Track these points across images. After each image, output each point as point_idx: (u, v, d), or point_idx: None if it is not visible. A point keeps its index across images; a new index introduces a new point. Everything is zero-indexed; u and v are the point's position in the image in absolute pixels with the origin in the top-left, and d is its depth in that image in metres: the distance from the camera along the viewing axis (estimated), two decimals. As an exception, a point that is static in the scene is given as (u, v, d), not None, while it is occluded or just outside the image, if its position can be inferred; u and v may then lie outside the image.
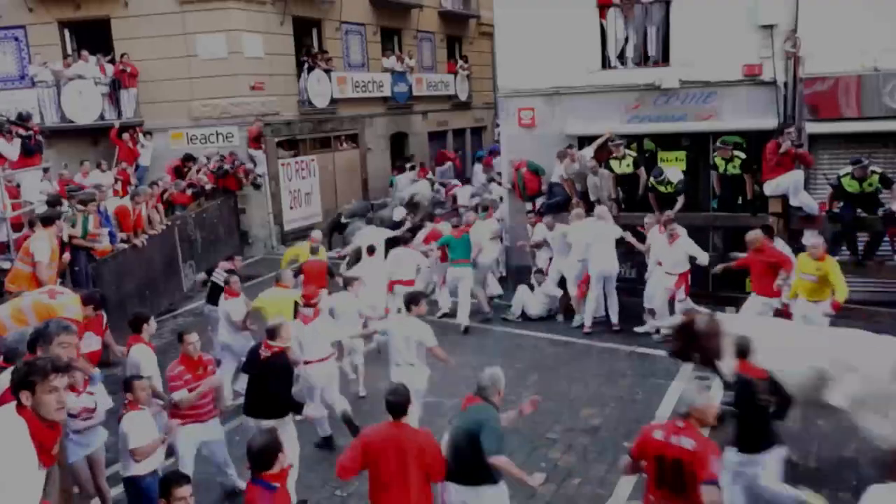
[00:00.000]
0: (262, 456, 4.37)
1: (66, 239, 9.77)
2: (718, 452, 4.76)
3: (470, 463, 5.05)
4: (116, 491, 7.49)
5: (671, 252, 10.71)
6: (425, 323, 7.58)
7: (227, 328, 9.11)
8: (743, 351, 6.18)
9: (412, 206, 16.41)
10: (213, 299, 9.91)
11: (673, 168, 12.25)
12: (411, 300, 7.55)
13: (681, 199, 11.70)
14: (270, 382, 6.71)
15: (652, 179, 11.74)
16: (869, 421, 6.20)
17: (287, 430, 6.64)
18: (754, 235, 9.29)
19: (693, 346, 7.31)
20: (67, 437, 6.43)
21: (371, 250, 11.38)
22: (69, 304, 6.44)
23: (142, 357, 7.00)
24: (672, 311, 10.71)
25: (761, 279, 9.19)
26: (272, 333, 6.89)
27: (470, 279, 11.93)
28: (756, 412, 5.74)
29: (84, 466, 6.56)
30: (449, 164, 24.42)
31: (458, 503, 5.18)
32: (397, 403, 5.06)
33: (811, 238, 11.05)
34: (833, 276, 8.49)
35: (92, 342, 7.22)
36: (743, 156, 11.57)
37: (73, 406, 6.12)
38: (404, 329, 7.42)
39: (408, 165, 20.61)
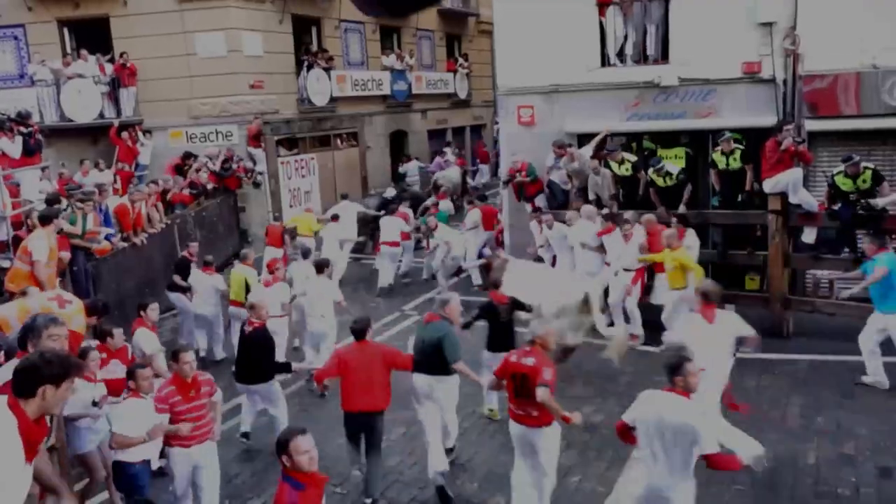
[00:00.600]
0: (279, 444, 4.43)
1: (65, 229, 9.81)
2: (552, 367, 6.09)
3: (434, 363, 6.92)
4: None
5: (626, 250, 10.92)
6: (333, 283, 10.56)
7: (211, 299, 10.84)
8: (495, 284, 8.62)
9: (436, 188, 18.07)
10: (172, 287, 11.13)
11: (671, 163, 12.26)
12: (319, 265, 9.90)
13: (687, 190, 11.65)
14: (254, 353, 7.73)
15: (651, 171, 11.69)
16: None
17: (273, 391, 7.88)
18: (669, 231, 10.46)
19: (488, 278, 9.92)
20: (81, 428, 6.58)
21: (335, 217, 14.90)
22: (76, 314, 6.53)
23: (143, 340, 7.92)
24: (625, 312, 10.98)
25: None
26: (252, 310, 7.86)
27: None
28: (499, 325, 8.16)
29: (97, 454, 6.74)
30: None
31: (425, 386, 7.08)
32: (360, 329, 6.87)
33: (809, 235, 11.13)
34: (685, 263, 9.95)
35: (117, 370, 7.04)
36: (742, 147, 11.55)
37: (93, 395, 6.47)
38: (318, 288, 9.75)
39: (416, 157, 23.80)
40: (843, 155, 10.48)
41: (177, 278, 11.07)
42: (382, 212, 15.70)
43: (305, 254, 11.32)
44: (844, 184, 10.22)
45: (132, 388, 6.23)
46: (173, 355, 6.35)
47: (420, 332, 7.35)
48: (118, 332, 7.35)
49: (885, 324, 8.63)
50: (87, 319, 6.91)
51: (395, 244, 14.36)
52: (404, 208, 15.49)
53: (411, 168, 23.12)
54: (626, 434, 5.33)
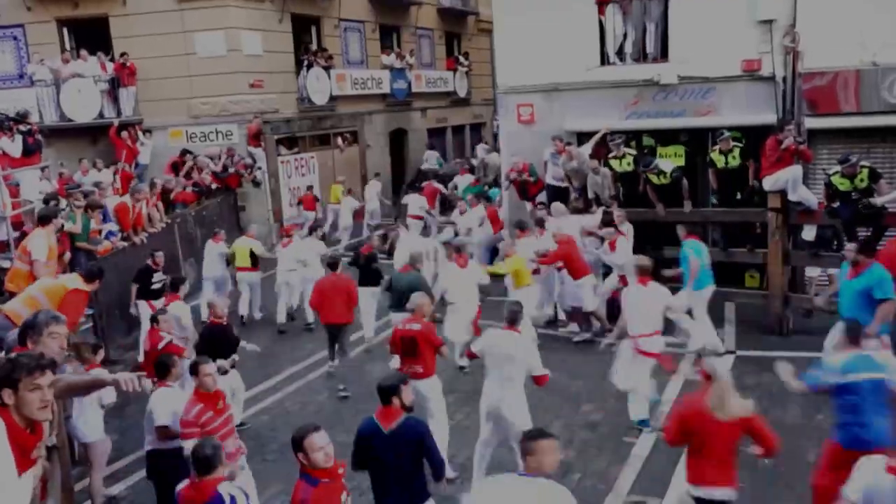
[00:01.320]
0: (294, 442, 4.44)
1: (66, 228, 9.84)
2: (433, 327, 7.46)
3: (406, 300, 7.95)
4: (119, 488, 7.54)
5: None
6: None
7: (219, 264, 12.76)
8: (333, 264, 10.20)
9: (483, 167, 20.49)
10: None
11: (665, 161, 12.27)
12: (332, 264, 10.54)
13: (685, 188, 11.65)
14: (209, 348, 7.85)
15: (643, 170, 11.69)
16: None
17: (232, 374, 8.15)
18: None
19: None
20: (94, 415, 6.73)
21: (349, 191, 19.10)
22: (73, 277, 7.11)
23: (179, 311, 8.84)
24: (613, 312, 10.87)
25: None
26: (210, 308, 8.46)
27: None
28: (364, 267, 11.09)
29: (107, 440, 7.00)
30: None
31: (398, 321, 8.11)
32: (332, 263, 9.94)
33: (809, 233, 11.12)
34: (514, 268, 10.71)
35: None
36: (741, 145, 11.54)
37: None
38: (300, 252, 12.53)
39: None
40: (840, 156, 10.45)
41: (134, 288, 10.74)
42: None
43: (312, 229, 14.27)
44: (842, 184, 10.21)
45: (160, 377, 6.35)
46: (193, 368, 6.02)
47: (395, 276, 10.11)
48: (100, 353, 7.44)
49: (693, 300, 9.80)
50: (87, 285, 7.40)
51: (419, 217, 16.95)
52: (434, 184, 18.53)
53: (431, 157, 24.22)
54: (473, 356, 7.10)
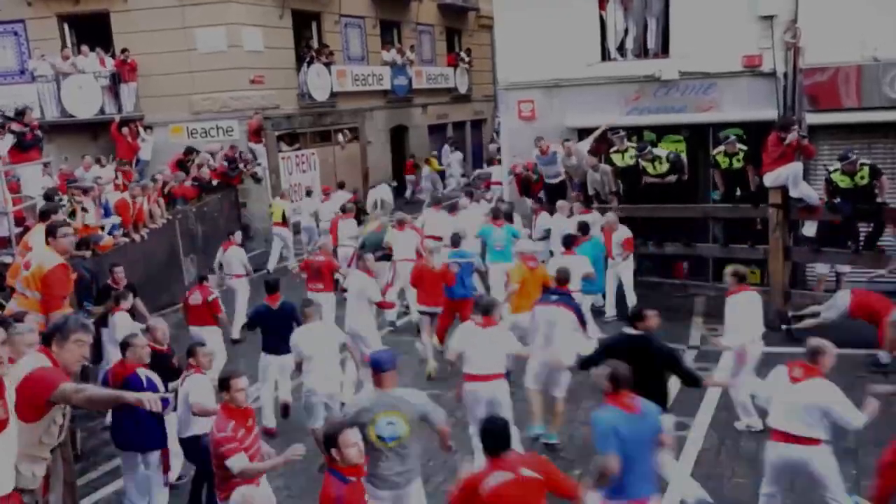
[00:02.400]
0: (326, 440, 4.55)
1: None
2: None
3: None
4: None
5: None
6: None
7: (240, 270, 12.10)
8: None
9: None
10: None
11: (659, 148, 12.28)
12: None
13: (684, 166, 11.63)
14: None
15: (637, 154, 11.65)
16: None
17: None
18: None
19: None
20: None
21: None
22: (46, 255, 6.92)
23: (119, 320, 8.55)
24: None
25: None
26: (150, 332, 7.24)
27: None
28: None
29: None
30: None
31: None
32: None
33: (810, 228, 11.12)
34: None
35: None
36: (745, 148, 11.55)
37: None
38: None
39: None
40: (841, 152, 10.44)
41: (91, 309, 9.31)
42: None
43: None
44: (842, 181, 10.20)
45: (192, 363, 6.42)
46: (223, 384, 5.49)
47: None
48: None
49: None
50: (56, 249, 7.07)
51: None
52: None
53: (455, 162, 24.46)
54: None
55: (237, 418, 5.34)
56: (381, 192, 17.76)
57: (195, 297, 9.55)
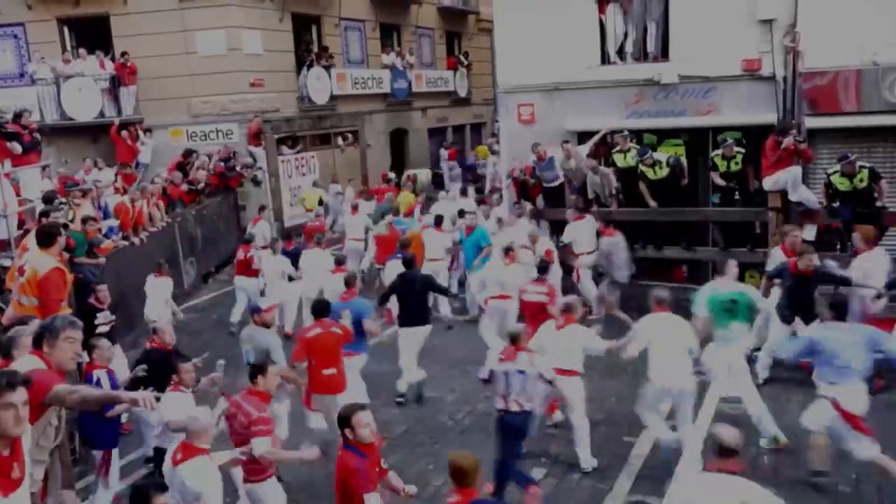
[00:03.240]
0: (341, 419, 4.95)
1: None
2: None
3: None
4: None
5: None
6: None
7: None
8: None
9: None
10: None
11: (659, 153, 12.29)
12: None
13: (684, 170, 11.64)
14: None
15: (639, 159, 11.64)
16: None
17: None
18: None
19: None
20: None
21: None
22: (42, 261, 6.93)
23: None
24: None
25: None
26: (155, 333, 7.59)
27: None
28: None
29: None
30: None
31: None
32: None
33: (810, 232, 11.11)
34: None
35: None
36: (743, 150, 11.57)
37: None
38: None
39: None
40: (839, 154, 10.46)
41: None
42: None
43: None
44: (841, 183, 10.21)
45: (175, 381, 6.52)
46: (255, 371, 5.93)
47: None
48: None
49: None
50: (52, 253, 7.11)
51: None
52: None
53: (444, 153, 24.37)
54: None
55: (267, 402, 5.91)
56: (423, 175, 20.25)
57: (239, 254, 12.35)
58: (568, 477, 7.11)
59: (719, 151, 11.46)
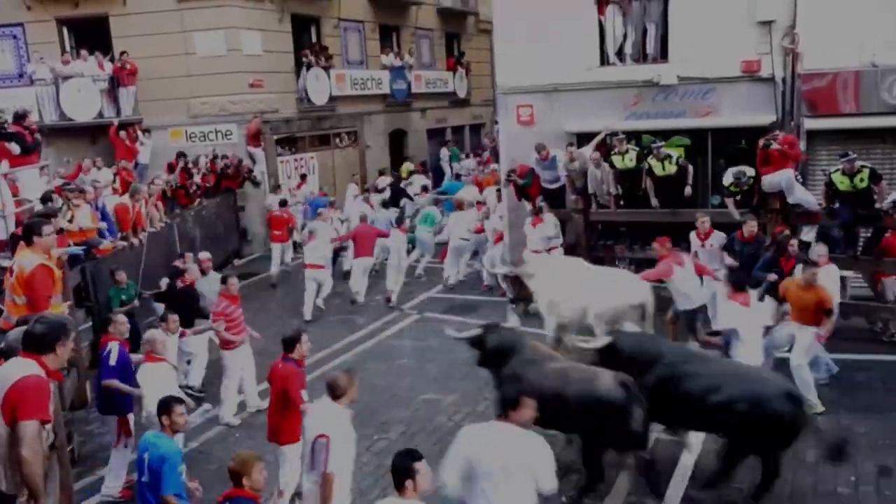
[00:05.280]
0: (289, 339, 6.81)
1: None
2: None
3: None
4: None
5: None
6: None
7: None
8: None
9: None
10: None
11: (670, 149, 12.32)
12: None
13: (689, 175, 11.68)
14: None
15: (654, 146, 11.64)
16: None
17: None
18: None
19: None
20: None
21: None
22: (27, 258, 6.88)
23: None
24: None
25: None
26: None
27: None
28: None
29: None
30: None
31: None
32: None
33: (809, 234, 11.12)
34: None
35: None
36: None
37: None
38: None
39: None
40: (840, 152, 10.49)
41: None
42: None
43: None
44: (842, 182, 10.21)
45: (147, 351, 7.20)
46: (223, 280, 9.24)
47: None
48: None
49: None
50: (38, 250, 6.97)
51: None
52: None
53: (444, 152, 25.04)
54: None
55: (231, 300, 9.14)
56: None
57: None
58: (567, 478, 7.09)
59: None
